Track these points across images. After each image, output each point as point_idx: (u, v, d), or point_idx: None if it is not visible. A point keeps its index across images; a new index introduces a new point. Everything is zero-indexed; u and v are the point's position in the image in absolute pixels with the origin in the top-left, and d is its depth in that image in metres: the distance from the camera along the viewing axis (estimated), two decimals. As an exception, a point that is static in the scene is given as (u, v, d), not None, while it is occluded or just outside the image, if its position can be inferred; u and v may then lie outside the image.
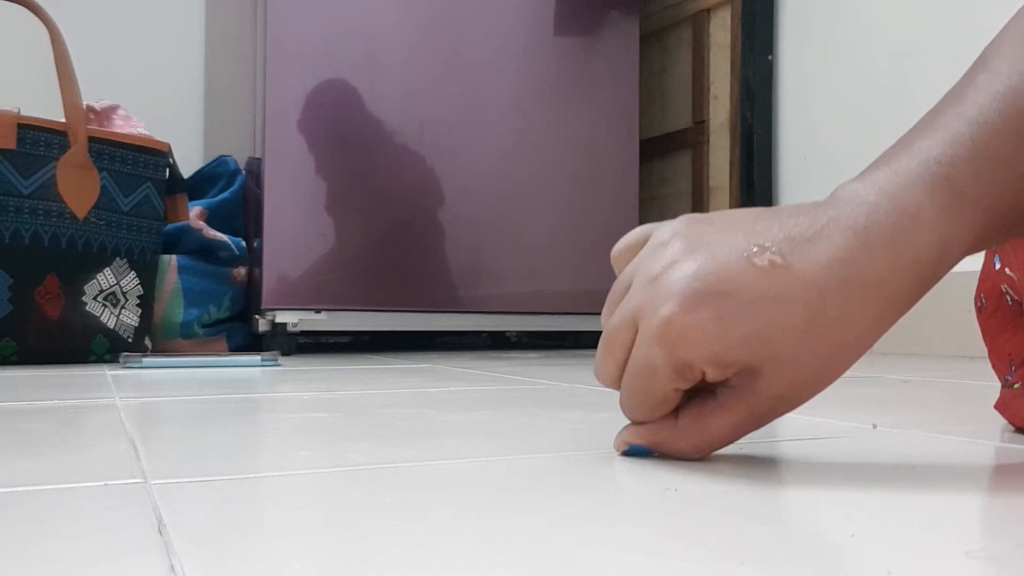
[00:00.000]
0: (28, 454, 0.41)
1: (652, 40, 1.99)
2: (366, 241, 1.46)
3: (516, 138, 1.58)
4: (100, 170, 1.20)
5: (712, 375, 0.35)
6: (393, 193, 1.48)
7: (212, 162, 1.68)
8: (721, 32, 1.82)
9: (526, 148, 1.59)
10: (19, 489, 0.33)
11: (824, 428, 0.50)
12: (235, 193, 1.61)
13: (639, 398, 0.37)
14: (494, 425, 0.52)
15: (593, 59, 1.65)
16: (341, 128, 1.45)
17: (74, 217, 1.17)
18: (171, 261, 1.44)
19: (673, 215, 0.40)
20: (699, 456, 0.38)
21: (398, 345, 1.75)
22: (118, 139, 1.22)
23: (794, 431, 0.49)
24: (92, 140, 1.19)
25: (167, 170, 1.30)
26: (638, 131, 1.69)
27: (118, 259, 1.22)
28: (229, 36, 1.97)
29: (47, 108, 1.21)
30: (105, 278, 1.20)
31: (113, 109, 1.29)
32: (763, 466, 0.38)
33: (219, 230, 1.52)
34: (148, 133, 1.29)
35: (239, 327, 1.52)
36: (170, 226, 1.40)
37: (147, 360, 1.07)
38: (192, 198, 1.52)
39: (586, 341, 1.63)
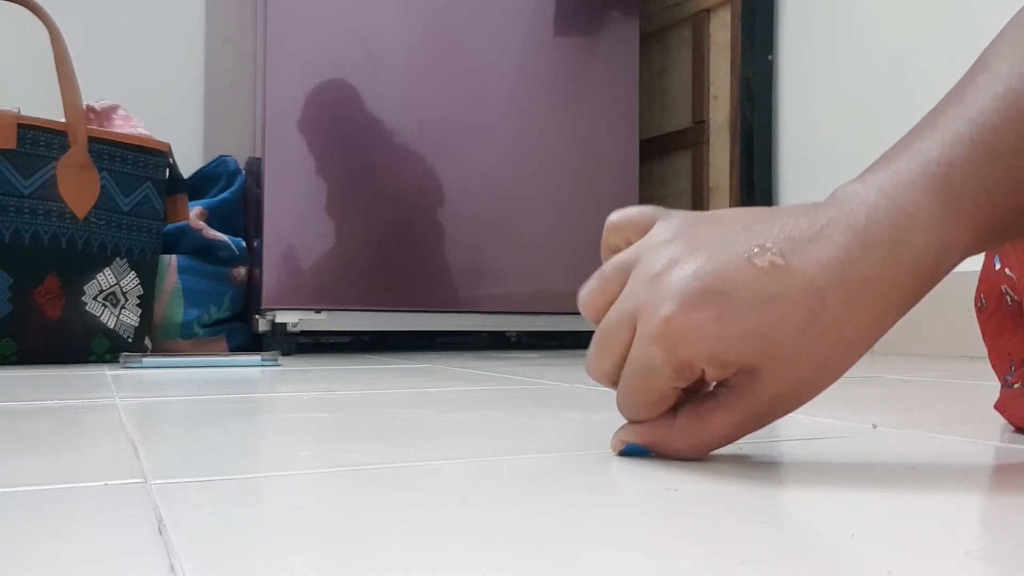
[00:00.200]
0: (28, 454, 0.41)
1: (652, 40, 1.99)
2: (366, 241, 1.46)
3: (516, 138, 1.58)
4: (100, 170, 1.20)
5: (711, 374, 0.35)
6: (393, 193, 1.48)
7: (212, 162, 1.68)
8: (721, 32, 1.82)
9: (526, 148, 1.59)
10: (19, 489, 0.33)
11: (824, 428, 0.50)
12: (235, 193, 1.61)
13: (637, 397, 0.37)
14: (494, 425, 0.52)
15: (593, 59, 1.65)
16: (341, 128, 1.45)
17: (74, 217, 1.17)
18: (171, 261, 1.44)
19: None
20: (697, 456, 0.38)
21: (398, 345, 1.75)
22: (118, 139, 1.22)
23: (794, 431, 0.49)
24: (92, 140, 1.19)
25: (167, 170, 1.30)
26: (638, 131, 1.69)
27: (118, 259, 1.22)
28: (229, 36, 1.97)
29: (47, 108, 1.21)
30: (105, 278, 1.20)
31: (113, 109, 1.29)
32: (763, 466, 0.38)
33: (219, 230, 1.52)
34: (148, 133, 1.29)
35: (239, 327, 1.52)
36: (170, 226, 1.40)
37: (147, 360, 1.07)
38: (192, 198, 1.52)
39: (586, 341, 1.62)
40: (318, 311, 1.43)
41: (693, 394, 0.37)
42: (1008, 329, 0.49)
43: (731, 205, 1.77)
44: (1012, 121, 0.33)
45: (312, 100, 1.43)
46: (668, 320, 0.34)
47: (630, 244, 0.39)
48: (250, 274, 1.52)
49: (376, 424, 0.52)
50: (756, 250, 0.34)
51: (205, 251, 1.48)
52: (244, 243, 1.53)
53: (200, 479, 0.35)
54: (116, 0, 1.89)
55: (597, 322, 0.38)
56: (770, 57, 1.73)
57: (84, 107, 1.21)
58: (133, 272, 1.24)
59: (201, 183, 1.64)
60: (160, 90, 1.90)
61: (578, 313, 0.40)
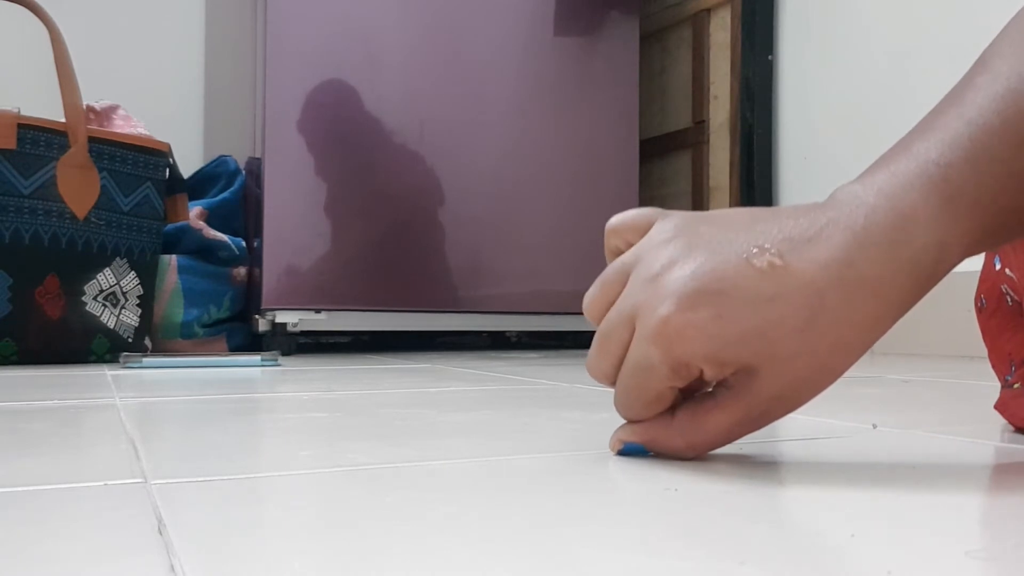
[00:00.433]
0: (28, 454, 0.41)
1: (652, 40, 1.99)
2: (366, 241, 1.46)
3: (516, 138, 1.58)
4: (100, 170, 1.20)
5: (710, 374, 0.35)
6: (393, 193, 1.48)
7: (212, 162, 1.68)
8: (721, 32, 1.82)
9: (526, 148, 1.59)
10: (19, 489, 0.33)
11: (824, 428, 0.50)
12: (235, 193, 1.61)
13: (634, 396, 0.37)
14: (494, 425, 0.52)
15: (593, 59, 1.65)
16: (341, 128, 1.45)
17: (74, 217, 1.17)
18: (171, 261, 1.44)
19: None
20: (694, 455, 0.38)
21: (398, 345, 1.75)
22: (118, 139, 1.22)
23: (794, 431, 0.49)
24: (92, 140, 1.19)
25: (167, 170, 1.30)
26: (638, 131, 1.69)
27: (118, 259, 1.22)
28: (229, 36, 1.97)
29: (47, 108, 1.21)
30: (105, 278, 1.20)
31: (113, 109, 1.29)
32: (763, 466, 0.38)
33: (219, 230, 1.52)
34: (148, 133, 1.29)
35: (239, 327, 1.52)
36: (170, 226, 1.40)
37: (147, 360, 1.07)
38: (192, 198, 1.52)
39: (586, 341, 1.63)
40: (318, 311, 1.43)
41: (692, 394, 0.37)
42: (1008, 329, 0.49)
43: (731, 205, 1.77)
44: (1011, 122, 0.33)
45: (312, 100, 1.43)
46: (666, 320, 0.34)
47: (631, 246, 0.39)
48: (250, 274, 1.52)
49: (376, 424, 0.52)
50: (755, 250, 0.34)
51: (205, 251, 1.48)
52: (244, 243, 1.53)
53: (200, 479, 0.35)
54: (116, 0, 1.89)
55: (599, 323, 0.38)
56: (770, 57, 1.73)
57: (84, 107, 1.21)
58: (133, 272, 1.24)
59: (201, 183, 1.64)
60: (160, 90, 1.90)
61: (578, 313, 0.40)
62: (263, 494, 0.32)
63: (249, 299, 1.52)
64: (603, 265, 0.40)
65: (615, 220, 0.40)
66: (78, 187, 1.17)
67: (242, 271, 1.52)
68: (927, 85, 1.41)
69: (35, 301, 1.14)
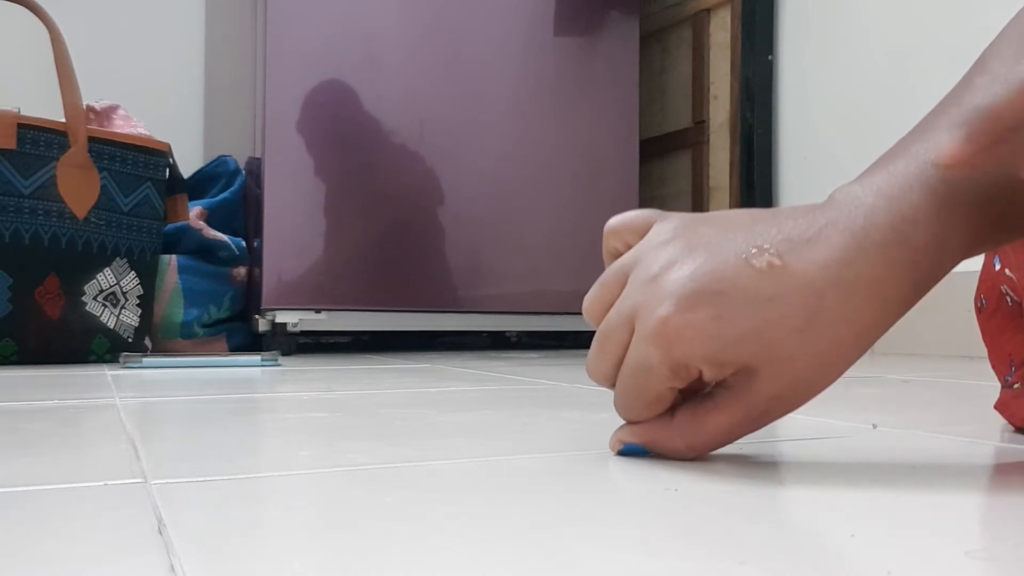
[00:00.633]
0: (28, 454, 0.41)
1: (652, 40, 1.99)
2: (366, 241, 1.46)
3: (516, 138, 1.58)
4: (100, 170, 1.20)
5: (709, 375, 0.35)
6: (393, 193, 1.48)
7: (212, 162, 1.68)
8: (721, 32, 1.82)
9: (526, 148, 1.59)
10: (19, 489, 0.33)
11: (824, 428, 0.50)
12: (235, 193, 1.61)
13: (634, 397, 0.37)
14: (494, 425, 0.52)
15: (593, 59, 1.65)
16: (341, 128, 1.45)
17: (74, 217, 1.17)
18: (171, 261, 1.44)
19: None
20: (694, 456, 0.38)
21: (398, 345, 1.75)
22: (118, 139, 1.23)
23: (794, 431, 0.49)
24: (92, 140, 1.19)
25: (167, 170, 1.30)
26: (638, 131, 1.69)
27: (118, 259, 1.22)
28: (229, 36, 1.97)
29: (47, 108, 1.21)
30: (105, 278, 1.20)
31: (113, 109, 1.29)
32: (763, 466, 0.38)
33: (219, 230, 1.52)
34: (148, 133, 1.29)
35: (239, 327, 1.52)
36: (170, 226, 1.40)
37: (147, 360, 1.07)
38: (192, 198, 1.52)
39: (586, 341, 1.63)
40: (318, 311, 1.43)
41: (692, 395, 0.37)
42: (1008, 330, 0.49)
43: (731, 205, 1.77)
44: None
45: (312, 100, 1.43)
46: (665, 320, 0.34)
47: (629, 247, 0.39)
48: (250, 274, 1.52)
49: (376, 424, 0.52)
50: (754, 251, 0.34)
51: (205, 251, 1.48)
52: (244, 243, 1.54)
53: (200, 479, 0.35)
54: (116, 0, 1.89)
55: (598, 325, 0.38)
56: (770, 57, 1.73)
57: (84, 107, 1.21)
58: (133, 272, 1.24)
59: (201, 183, 1.64)
60: (160, 90, 1.90)
61: (578, 313, 0.40)
62: (263, 494, 0.32)
63: (249, 299, 1.52)
64: (603, 265, 0.40)
65: (613, 222, 0.40)
66: (78, 187, 1.17)
67: (242, 271, 1.52)
68: (927, 85, 1.41)
69: (35, 301, 1.14)
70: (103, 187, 1.20)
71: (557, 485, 0.34)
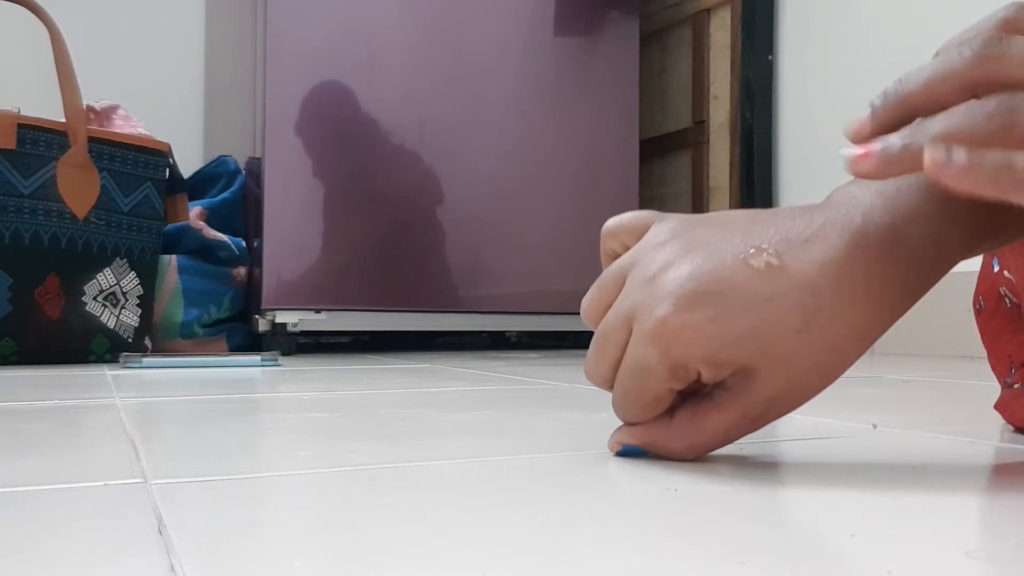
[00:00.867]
0: (28, 454, 0.41)
1: (652, 40, 1.99)
2: (366, 241, 1.46)
3: (516, 138, 1.58)
4: (100, 170, 1.20)
5: (707, 375, 0.35)
6: (393, 193, 1.48)
7: (212, 162, 1.68)
8: (721, 32, 1.82)
9: (526, 148, 1.59)
10: (19, 489, 0.33)
11: (824, 428, 0.50)
12: (235, 193, 1.61)
13: (633, 398, 0.37)
14: (494, 425, 0.52)
15: (593, 59, 1.65)
16: (341, 128, 1.45)
17: (74, 217, 1.17)
18: (171, 261, 1.44)
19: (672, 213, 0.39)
20: (693, 456, 0.38)
21: (398, 345, 1.75)
22: (118, 139, 1.23)
23: (794, 431, 0.49)
24: (92, 140, 1.19)
25: (167, 170, 1.30)
26: (638, 131, 1.69)
27: (118, 259, 1.22)
28: (229, 36, 1.97)
29: (47, 108, 1.21)
30: (105, 278, 1.20)
31: (113, 109, 1.29)
32: (763, 466, 0.38)
33: (219, 230, 1.52)
34: (148, 133, 1.29)
35: (239, 327, 1.52)
36: (170, 226, 1.40)
37: (147, 360, 1.07)
38: (192, 198, 1.52)
39: (586, 341, 1.62)
40: (318, 311, 1.43)
41: (691, 396, 0.37)
42: (1007, 331, 0.49)
43: (731, 205, 1.77)
44: None
45: (312, 100, 1.43)
46: (663, 321, 0.34)
47: (627, 249, 0.39)
48: (250, 274, 1.52)
49: (376, 424, 0.52)
50: (752, 251, 0.34)
51: (205, 251, 1.48)
52: (244, 243, 1.54)
53: (200, 479, 0.35)
54: (116, 0, 1.89)
55: (597, 326, 0.38)
56: (770, 57, 1.73)
57: (84, 107, 1.21)
58: (133, 272, 1.24)
59: (201, 183, 1.64)
60: (160, 90, 1.90)
61: (578, 313, 0.40)
62: (263, 494, 0.32)
63: (249, 299, 1.52)
64: (603, 265, 0.40)
65: (611, 223, 0.40)
66: (78, 187, 1.17)
67: (242, 271, 1.52)
68: (927, 85, 1.41)
69: (35, 301, 1.14)
70: (103, 187, 1.20)
71: (557, 485, 0.34)
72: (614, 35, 1.67)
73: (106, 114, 1.28)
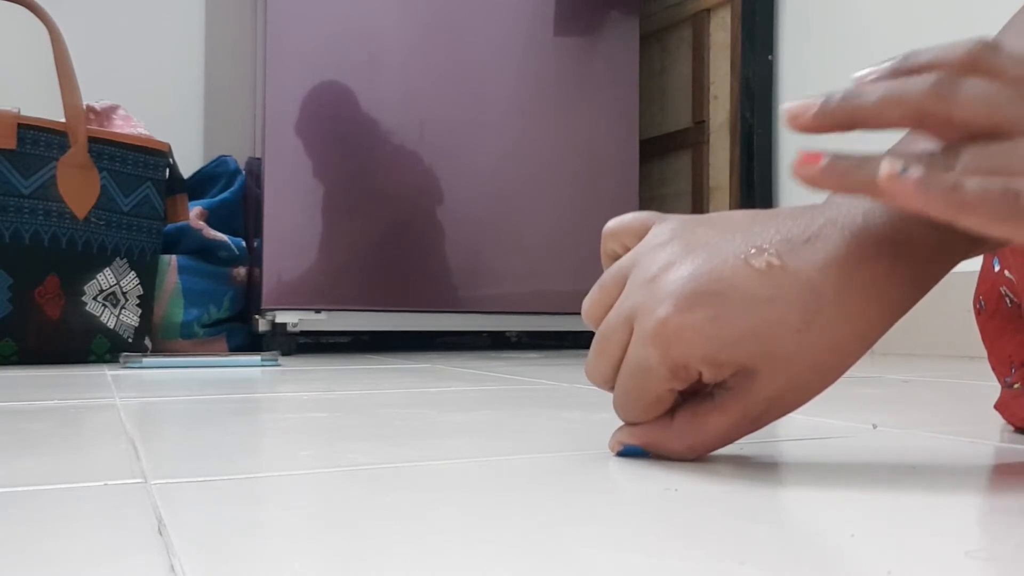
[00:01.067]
0: (28, 454, 0.41)
1: (652, 40, 1.99)
2: (366, 241, 1.46)
3: (516, 138, 1.58)
4: (100, 170, 1.20)
5: (708, 376, 0.35)
6: (393, 193, 1.48)
7: (212, 162, 1.68)
8: (721, 32, 1.82)
9: (526, 148, 1.59)
10: (19, 489, 0.33)
11: (824, 428, 0.50)
12: (235, 193, 1.61)
13: (633, 398, 0.37)
14: (494, 425, 0.52)
15: (593, 59, 1.65)
16: (341, 128, 1.45)
17: (74, 217, 1.17)
18: (171, 261, 1.44)
19: (673, 214, 0.39)
20: (693, 456, 0.38)
21: (398, 345, 1.75)
22: (118, 139, 1.23)
23: (794, 431, 0.49)
24: (92, 140, 1.19)
25: (167, 170, 1.30)
26: (638, 131, 1.69)
27: (118, 259, 1.22)
28: (229, 36, 1.97)
29: (47, 108, 1.21)
30: (105, 278, 1.20)
31: (113, 109, 1.29)
32: (763, 466, 0.38)
33: (219, 230, 1.52)
34: (148, 133, 1.29)
35: (239, 327, 1.52)
36: (170, 226, 1.40)
37: (147, 360, 1.07)
38: (192, 198, 1.52)
39: (586, 341, 1.63)
40: (318, 311, 1.43)
41: (691, 396, 0.37)
42: (1008, 331, 0.49)
43: (731, 205, 1.77)
44: None
45: (312, 100, 1.43)
46: (664, 321, 0.34)
47: (627, 250, 0.39)
48: (250, 274, 1.52)
49: (376, 424, 0.52)
50: (753, 251, 0.34)
51: (205, 251, 1.48)
52: (244, 243, 1.54)
53: (200, 479, 0.35)
54: (116, 0, 1.89)
55: (598, 327, 0.38)
56: (770, 57, 1.73)
57: (84, 107, 1.21)
58: (133, 272, 1.24)
59: (201, 183, 1.64)
60: (160, 90, 1.90)
61: (578, 313, 0.40)
62: (263, 494, 0.32)
63: (249, 299, 1.52)
64: (603, 265, 0.40)
65: (612, 224, 0.40)
66: (78, 187, 1.17)
67: (242, 271, 1.52)
68: (927, 85, 1.41)
69: (35, 301, 1.14)
70: (103, 187, 1.20)
71: (557, 485, 0.34)
72: (614, 35, 1.67)
73: (106, 114, 1.28)
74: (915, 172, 0.28)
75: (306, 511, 0.29)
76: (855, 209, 0.34)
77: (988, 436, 0.47)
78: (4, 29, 1.72)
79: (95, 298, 1.19)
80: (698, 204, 1.86)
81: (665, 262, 0.35)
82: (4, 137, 1.12)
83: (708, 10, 1.85)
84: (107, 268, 1.21)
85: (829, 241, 0.34)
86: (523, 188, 1.58)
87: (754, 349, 0.34)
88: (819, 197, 0.36)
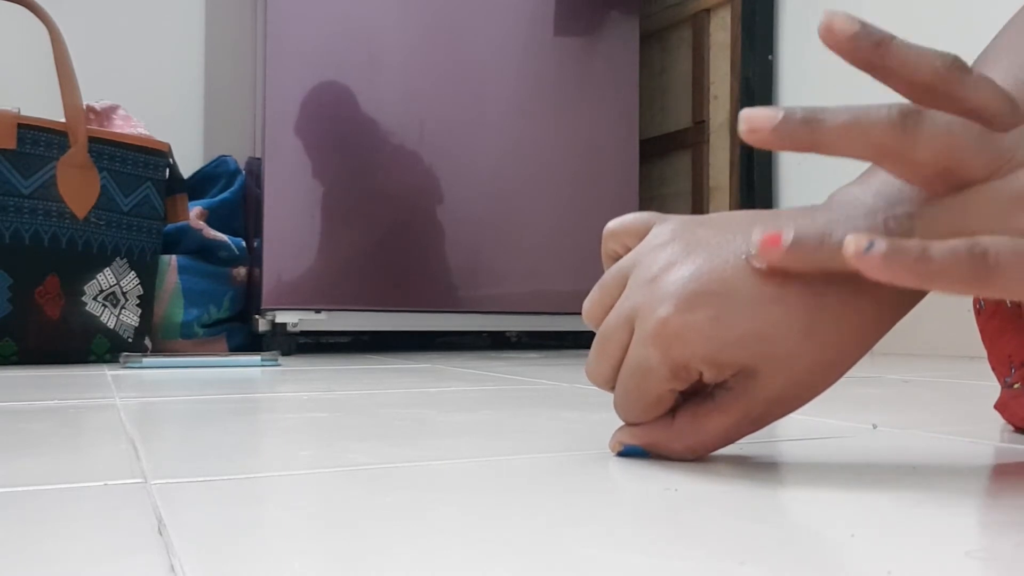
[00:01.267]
0: (28, 454, 0.41)
1: (652, 40, 1.99)
2: (366, 241, 1.46)
3: (516, 138, 1.58)
4: (100, 170, 1.20)
5: (709, 376, 0.35)
6: (393, 193, 1.48)
7: (212, 162, 1.68)
8: (721, 32, 1.82)
9: (526, 148, 1.59)
10: (19, 489, 0.33)
11: (824, 428, 0.50)
12: (235, 193, 1.61)
13: (634, 398, 0.37)
14: (494, 425, 0.52)
15: (593, 59, 1.65)
16: (341, 128, 1.45)
17: (74, 217, 1.17)
18: (171, 261, 1.44)
19: (673, 214, 0.39)
20: (694, 457, 0.38)
21: (398, 345, 1.75)
22: (118, 139, 1.23)
23: (794, 431, 0.49)
24: (92, 140, 1.19)
25: (167, 170, 1.30)
26: (638, 131, 1.69)
27: (118, 259, 1.22)
28: (229, 36, 1.97)
29: (47, 108, 1.21)
30: (105, 278, 1.20)
31: (113, 109, 1.29)
32: (763, 466, 0.38)
33: (219, 230, 1.52)
34: (148, 133, 1.29)
35: (239, 327, 1.52)
36: (170, 226, 1.40)
37: (147, 360, 1.07)
38: (192, 198, 1.52)
39: (586, 341, 1.63)
40: (318, 311, 1.43)
41: (692, 396, 0.37)
42: (1008, 331, 0.49)
43: (731, 205, 1.77)
44: None
45: (312, 100, 1.43)
46: (665, 321, 0.34)
47: (628, 250, 0.39)
48: (250, 274, 1.52)
49: (376, 424, 0.52)
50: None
51: (205, 251, 1.48)
52: (244, 243, 1.54)
53: (200, 479, 0.35)
54: (116, 0, 1.89)
55: (598, 328, 0.38)
56: (770, 57, 1.73)
57: (84, 107, 1.21)
58: (133, 272, 1.24)
59: (201, 183, 1.64)
60: (160, 90, 1.90)
61: (578, 313, 0.40)
62: (263, 494, 0.32)
63: (249, 299, 1.52)
64: (603, 265, 0.40)
65: (612, 224, 0.40)
66: (78, 187, 1.17)
67: (242, 271, 1.52)
68: (927, 85, 1.41)
69: (35, 301, 1.14)
70: (103, 187, 1.20)
71: (557, 485, 0.34)
72: (614, 35, 1.67)
73: (106, 114, 1.28)
74: (880, 247, 0.27)
75: (306, 511, 0.29)
76: (856, 211, 0.34)
77: (988, 436, 0.47)
78: (4, 29, 1.72)
79: (95, 298, 1.19)
80: (698, 204, 1.86)
81: (666, 262, 0.35)
82: (4, 137, 1.12)
83: (708, 10, 1.85)
84: (107, 268, 1.21)
85: None
86: (523, 188, 1.58)
87: (755, 350, 0.34)
88: (819, 198, 0.36)
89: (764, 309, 0.34)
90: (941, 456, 0.41)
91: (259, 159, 1.47)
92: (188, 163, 1.70)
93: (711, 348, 0.34)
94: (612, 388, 0.38)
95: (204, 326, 1.46)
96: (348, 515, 0.28)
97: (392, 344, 1.78)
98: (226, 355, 1.30)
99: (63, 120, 1.17)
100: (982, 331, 0.51)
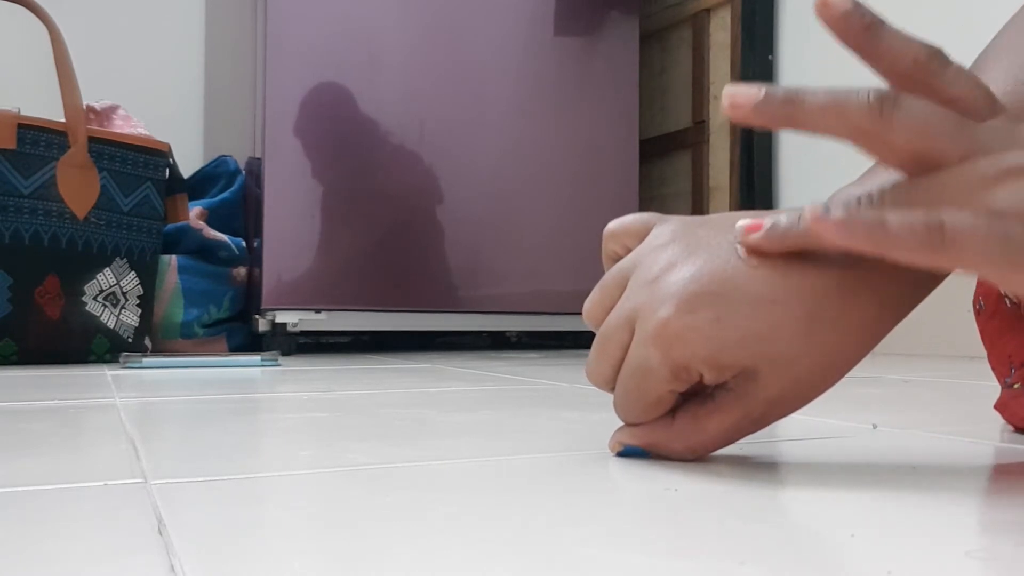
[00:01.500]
0: (28, 454, 0.41)
1: (652, 40, 1.99)
2: (366, 241, 1.46)
3: (516, 138, 1.58)
4: (100, 170, 1.20)
5: (709, 377, 0.35)
6: (393, 193, 1.48)
7: (212, 162, 1.68)
8: (721, 32, 1.82)
9: (526, 148, 1.59)
10: (19, 489, 0.33)
11: (824, 428, 0.50)
12: (235, 193, 1.61)
13: (634, 399, 0.37)
14: (494, 425, 0.52)
15: (593, 59, 1.65)
16: (341, 128, 1.45)
17: (74, 217, 1.17)
18: (171, 261, 1.44)
19: (673, 215, 0.39)
20: (694, 457, 0.38)
21: (398, 345, 1.75)
22: (118, 139, 1.23)
23: (794, 431, 0.49)
24: (92, 140, 1.19)
25: (167, 170, 1.30)
26: (638, 131, 1.69)
27: (118, 259, 1.22)
28: (229, 36, 1.97)
29: (47, 108, 1.21)
30: (105, 278, 1.20)
31: (113, 109, 1.29)
32: (763, 466, 0.38)
33: (219, 230, 1.52)
34: (148, 133, 1.29)
35: (239, 327, 1.52)
36: (170, 226, 1.40)
37: (147, 360, 1.07)
38: (192, 198, 1.52)
39: (586, 341, 1.63)
40: (318, 311, 1.43)
41: (692, 397, 0.37)
42: (1008, 331, 0.49)
43: (731, 205, 1.77)
44: None
45: (312, 100, 1.43)
46: (665, 322, 0.34)
47: (629, 251, 0.39)
48: (250, 274, 1.52)
49: (376, 424, 0.52)
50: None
51: (205, 251, 1.48)
52: (244, 243, 1.54)
53: (200, 479, 0.35)
54: (116, 0, 1.89)
55: (599, 328, 0.38)
56: (770, 57, 1.73)
57: (84, 107, 1.21)
58: (133, 272, 1.24)
59: (201, 183, 1.64)
60: (160, 90, 1.90)
61: (578, 313, 0.40)
62: (263, 494, 0.32)
63: (249, 299, 1.52)
64: (603, 265, 0.40)
65: (613, 225, 0.40)
66: (78, 187, 1.17)
67: (242, 271, 1.52)
68: (927, 85, 1.41)
69: (35, 301, 1.14)
70: (103, 187, 1.20)
71: (557, 485, 0.34)
72: (614, 35, 1.67)
73: (106, 114, 1.28)
74: (836, 212, 0.29)
75: (306, 511, 0.29)
76: None
77: (988, 436, 0.47)
78: (4, 29, 1.72)
79: (95, 298, 1.19)
80: (698, 204, 1.86)
81: (666, 263, 0.35)
82: (4, 137, 1.12)
83: (708, 10, 1.85)
84: (107, 268, 1.21)
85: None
86: (523, 188, 1.58)
87: (756, 350, 0.34)
88: (819, 198, 0.36)
89: (765, 310, 0.34)
90: (941, 456, 0.41)
91: (259, 159, 1.47)
92: (188, 163, 1.70)
93: (712, 349, 0.34)
94: (612, 388, 0.38)
95: (204, 326, 1.46)
96: (348, 515, 0.28)
97: (392, 344, 1.78)
98: (226, 355, 1.30)
99: (63, 120, 1.17)
100: (982, 331, 0.51)
